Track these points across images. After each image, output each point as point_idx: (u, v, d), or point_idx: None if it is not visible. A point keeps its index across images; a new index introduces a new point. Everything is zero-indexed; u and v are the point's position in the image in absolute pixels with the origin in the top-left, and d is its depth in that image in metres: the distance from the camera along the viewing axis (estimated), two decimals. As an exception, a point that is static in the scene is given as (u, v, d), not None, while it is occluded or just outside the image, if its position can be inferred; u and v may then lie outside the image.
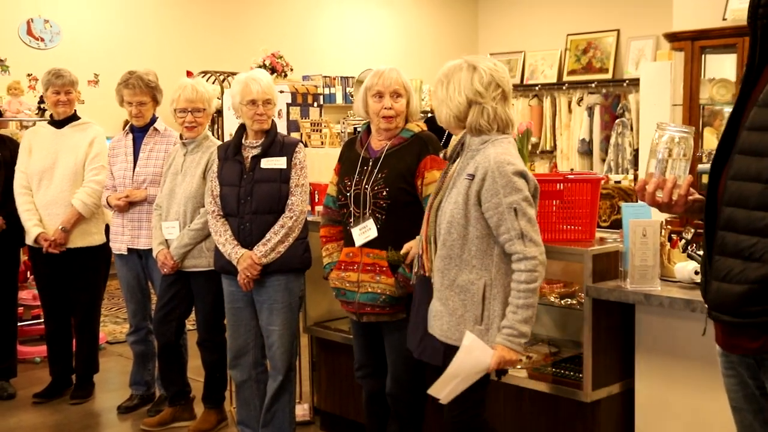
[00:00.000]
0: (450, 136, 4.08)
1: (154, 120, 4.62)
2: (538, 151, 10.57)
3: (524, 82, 10.93)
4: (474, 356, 2.78)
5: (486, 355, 2.77)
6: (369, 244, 3.33)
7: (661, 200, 2.20)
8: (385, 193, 3.30)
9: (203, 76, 8.70)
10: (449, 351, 2.82)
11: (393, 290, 3.29)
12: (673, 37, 5.55)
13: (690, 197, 2.19)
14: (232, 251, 3.78)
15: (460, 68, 2.87)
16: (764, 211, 1.96)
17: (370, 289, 3.33)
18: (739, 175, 2.03)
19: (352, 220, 3.38)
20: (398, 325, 3.36)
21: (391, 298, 3.30)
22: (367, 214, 3.33)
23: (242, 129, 3.94)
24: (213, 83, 8.71)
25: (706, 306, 2.14)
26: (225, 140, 4.74)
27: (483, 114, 2.84)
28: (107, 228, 4.84)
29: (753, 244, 1.97)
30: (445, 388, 2.83)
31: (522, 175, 2.77)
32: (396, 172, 3.31)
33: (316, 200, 4.45)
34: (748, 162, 2.01)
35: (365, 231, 3.34)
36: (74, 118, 4.87)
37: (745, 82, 2.09)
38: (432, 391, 2.88)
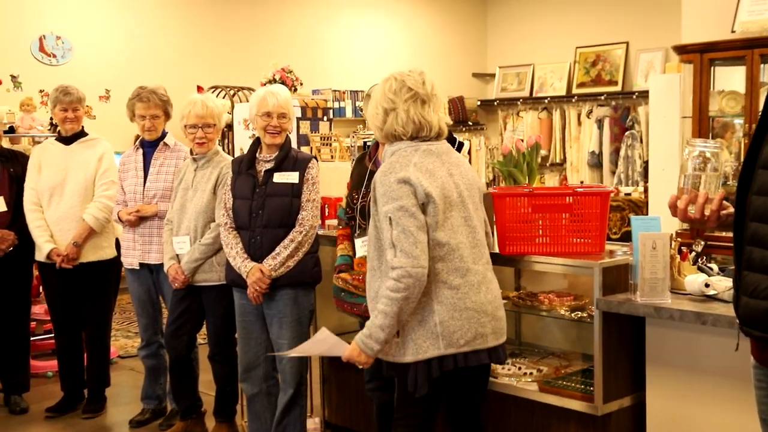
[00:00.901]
0: (459, 152, 4.09)
1: (164, 135, 4.65)
2: (547, 164, 10.57)
3: (533, 95, 10.94)
4: (328, 346, 2.95)
5: (340, 348, 2.89)
6: None
7: (693, 216, 2.20)
8: None
9: (213, 91, 8.74)
10: (377, 360, 2.88)
11: None
12: (682, 50, 5.55)
13: (723, 212, 2.18)
14: (242, 264, 3.80)
15: (386, 80, 2.96)
16: None
17: None
18: (762, 190, 2.02)
19: (358, 231, 3.42)
20: None
21: None
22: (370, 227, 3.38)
23: (257, 143, 3.97)
24: (223, 98, 8.75)
25: (737, 321, 2.13)
26: (235, 155, 4.78)
27: (397, 119, 2.87)
28: (117, 242, 4.87)
29: None
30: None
31: (405, 182, 2.77)
32: None
33: (326, 214, 4.47)
34: None
35: (366, 244, 3.39)
36: (82, 134, 4.90)
37: None
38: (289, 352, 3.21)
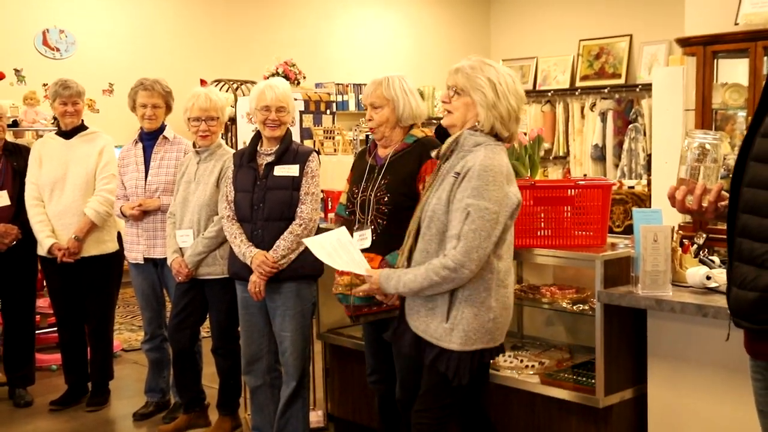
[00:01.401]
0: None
1: (163, 128, 4.65)
2: (551, 157, 10.56)
3: (537, 88, 10.93)
4: (350, 260, 3.03)
5: (360, 268, 3.01)
6: (366, 249, 3.37)
7: (691, 206, 2.21)
8: (386, 199, 3.39)
9: (216, 85, 8.75)
10: (419, 343, 2.90)
11: None
12: (685, 42, 5.54)
13: (721, 203, 2.19)
14: (246, 250, 3.82)
15: (499, 73, 2.86)
16: None
17: (357, 290, 3.34)
18: (753, 183, 2.04)
19: (357, 225, 3.46)
20: (401, 329, 3.38)
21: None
22: (368, 221, 3.41)
23: (258, 137, 3.99)
24: (226, 91, 8.76)
25: (729, 312, 2.14)
26: (238, 148, 4.79)
27: (518, 125, 2.93)
28: (119, 236, 4.88)
29: (765, 251, 1.98)
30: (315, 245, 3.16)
31: (503, 187, 2.76)
32: (398, 178, 3.40)
33: (329, 207, 4.48)
34: (762, 169, 2.02)
35: (362, 239, 3.43)
36: (82, 128, 4.90)
37: (766, 91, 2.09)
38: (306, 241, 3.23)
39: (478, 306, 2.82)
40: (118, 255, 4.89)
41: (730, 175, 2.15)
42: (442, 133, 3.85)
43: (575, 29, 10.71)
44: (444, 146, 2.94)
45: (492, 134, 2.87)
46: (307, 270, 3.87)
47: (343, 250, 3.08)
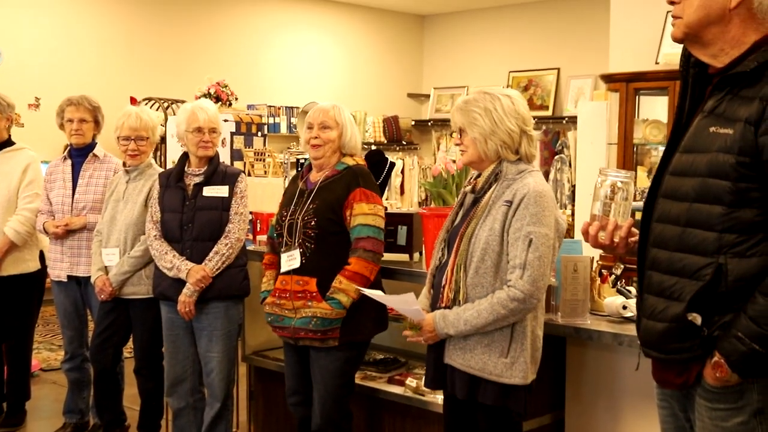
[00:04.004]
0: (390, 172, 4.16)
1: (93, 146, 4.59)
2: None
3: (452, 113, 11.08)
4: (407, 308, 2.88)
5: (417, 316, 2.86)
6: (298, 272, 3.43)
7: (603, 242, 2.30)
8: (313, 223, 3.43)
9: (147, 103, 8.67)
10: (474, 382, 2.80)
11: (325, 312, 3.36)
12: (609, 79, 5.74)
13: (631, 239, 2.28)
14: (182, 264, 3.82)
15: (495, 98, 2.84)
16: (682, 252, 2.07)
17: (304, 315, 3.40)
18: (662, 218, 2.14)
19: (284, 248, 3.49)
20: (328, 352, 3.44)
21: (323, 321, 3.37)
22: (296, 243, 3.43)
23: (185, 157, 3.99)
24: (157, 110, 8.69)
25: (639, 342, 2.23)
26: (168, 168, 4.77)
27: (531, 143, 2.86)
28: (42, 254, 4.78)
29: (673, 284, 2.08)
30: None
31: (551, 212, 2.75)
32: (326, 204, 3.45)
33: (258, 229, 4.49)
34: (669, 205, 2.12)
35: (291, 259, 3.46)
36: (8, 143, 4.80)
37: (675, 129, 2.21)
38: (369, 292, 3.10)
39: (530, 336, 2.78)
40: (40, 274, 4.79)
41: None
42: (375, 161, 3.92)
43: (505, 61, 10.95)
44: (482, 180, 2.90)
45: (522, 160, 2.86)
46: (233, 290, 3.89)
47: (403, 303, 2.92)
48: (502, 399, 2.78)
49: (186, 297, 3.81)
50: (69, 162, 4.58)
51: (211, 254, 3.81)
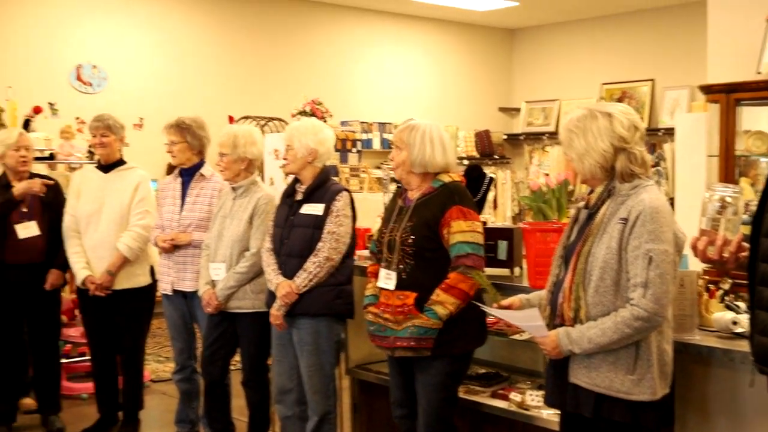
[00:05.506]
0: (489, 187, 4.18)
1: (200, 165, 4.75)
2: (572, 198, 10.60)
3: (559, 130, 11.01)
4: (531, 324, 2.86)
5: (540, 332, 2.83)
6: (399, 287, 3.48)
7: (712, 257, 2.28)
8: (410, 241, 3.47)
9: (244, 121, 8.91)
10: (600, 400, 2.78)
11: (421, 323, 3.40)
12: (708, 90, 5.65)
13: (741, 254, 2.26)
14: (274, 278, 3.97)
15: (594, 116, 2.82)
16: None
17: (404, 326, 3.45)
18: None
19: (384, 263, 3.56)
20: (429, 365, 3.48)
21: (418, 329, 3.41)
22: (394, 260, 3.50)
23: None
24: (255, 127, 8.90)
25: (752, 358, 2.21)
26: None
27: (631, 159, 2.80)
28: (152, 268, 4.97)
29: None
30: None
31: (669, 226, 2.70)
32: (422, 221, 3.48)
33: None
34: None
35: (387, 278, 3.52)
36: (120, 162, 5.02)
37: None
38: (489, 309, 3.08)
39: (656, 351, 2.76)
40: (151, 288, 4.99)
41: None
42: (473, 176, 3.97)
43: (597, 73, 10.84)
44: (594, 196, 2.89)
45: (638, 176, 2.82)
46: (322, 308, 3.95)
47: (527, 319, 2.93)
48: (631, 416, 2.76)
49: (274, 310, 3.96)
50: (179, 180, 4.77)
51: (300, 271, 3.91)
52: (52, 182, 5.05)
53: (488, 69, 11.81)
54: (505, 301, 3.10)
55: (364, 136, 10.00)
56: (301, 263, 3.91)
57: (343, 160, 7.82)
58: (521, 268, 4.02)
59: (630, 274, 2.70)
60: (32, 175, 5.07)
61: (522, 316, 2.93)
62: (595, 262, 2.76)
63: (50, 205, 5.02)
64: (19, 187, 4.85)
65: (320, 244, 3.91)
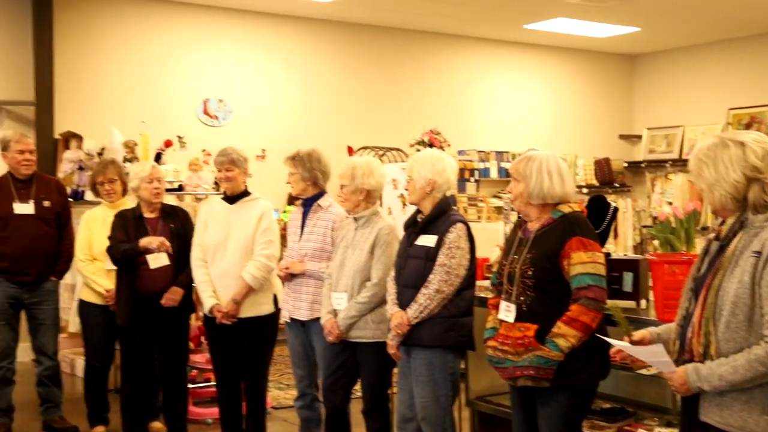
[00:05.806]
0: (614, 218, 4.10)
1: (319, 196, 4.82)
2: (699, 227, 10.26)
3: (683, 157, 10.71)
4: (657, 360, 2.79)
5: (667, 368, 2.75)
6: (519, 319, 3.44)
7: None
8: (530, 273, 3.43)
9: (363, 152, 9.05)
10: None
11: (543, 353, 3.35)
12: None
13: None
14: (390, 308, 4.04)
15: (725, 145, 2.74)
16: None
17: (524, 357, 3.41)
18: None
19: (504, 296, 3.53)
20: (550, 396, 3.42)
21: (538, 359, 3.36)
22: (514, 293, 3.46)
23: None
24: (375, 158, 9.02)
25: None
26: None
27: (765, 189, 2.70)
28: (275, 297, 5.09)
29: None
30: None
31: None
32: (542, 253, 3.44)
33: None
34: None
35: (507, 311, 3.49)
36: (246, 194, 5.16)
37: None
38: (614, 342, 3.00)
39: None
40: (274, 316, 5.08)
41: None
42: (595, 206, 3.90)
43: (724, 97, 10.50)
44: (726, 227, 2.80)
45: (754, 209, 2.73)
46: (435, 341, 3.95)
47: (653, 354, 2.87)
48: None
49: (389, 340, 4.00)
50: (301, 210, 4.88)
51: (412, 302, 3.94)
52: (169, 247, 5.16)
53: (608, 96, 11.62)
54: (637, 335, 3.02)
55: (482, 165, 10.00)
56: (415, 294, 3.94)
57: (461, 189, 7.85)
58: (648, 300, 3.92)
59: (764, 309, 2.60)
60: (163, 206, 5.30)
61: (647, 352, 2.86)
62: (726, 296, 2.66)
63: (179, 234, 5.21)
64: (143, 241, 5.08)
65: (431, 276, 3.92)
